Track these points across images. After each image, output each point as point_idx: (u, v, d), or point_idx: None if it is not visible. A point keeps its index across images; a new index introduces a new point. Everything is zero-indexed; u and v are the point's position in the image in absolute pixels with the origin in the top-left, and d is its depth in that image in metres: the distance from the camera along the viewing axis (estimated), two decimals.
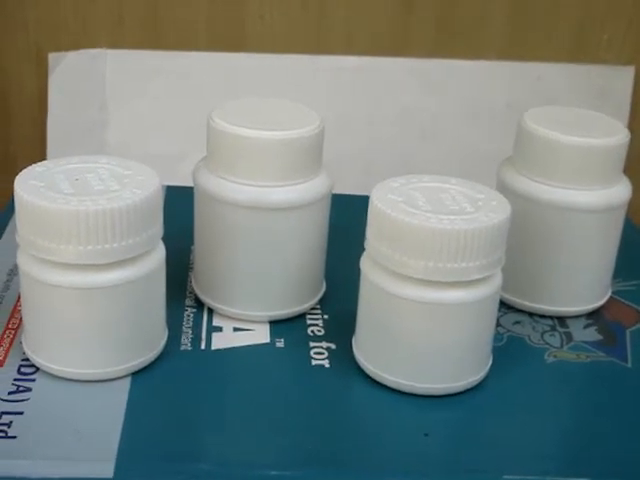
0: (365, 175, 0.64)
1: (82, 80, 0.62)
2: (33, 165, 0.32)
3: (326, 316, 0.37)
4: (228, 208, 0.34)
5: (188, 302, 0.37)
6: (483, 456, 0.29)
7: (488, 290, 0.31)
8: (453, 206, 0.31)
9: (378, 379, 0.32)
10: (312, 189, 0.34)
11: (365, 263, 0.32)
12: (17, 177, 0.30)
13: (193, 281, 0.37)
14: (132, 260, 0.30)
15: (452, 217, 0.30)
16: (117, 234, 0.29)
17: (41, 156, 0.64)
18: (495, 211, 0.31)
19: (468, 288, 0.31)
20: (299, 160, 0.34)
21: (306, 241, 0.35)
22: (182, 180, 0.62)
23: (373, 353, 0.33)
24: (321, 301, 0.37)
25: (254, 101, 0.36)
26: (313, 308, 0.37)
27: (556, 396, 0.33)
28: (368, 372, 0.33)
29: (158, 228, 0.31)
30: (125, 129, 0.63)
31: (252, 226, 0.34)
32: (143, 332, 0.32)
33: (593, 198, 0.36)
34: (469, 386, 0.32)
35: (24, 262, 0.30)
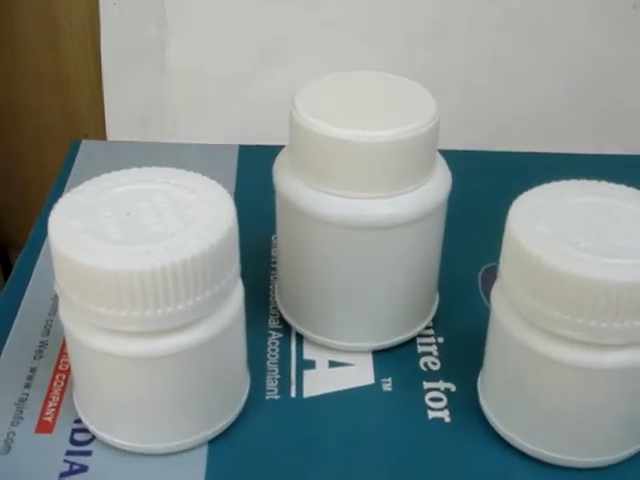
0: (465, 91, 0.55)
1: None
2: (72, 191, 0.25)
3: (440, 339, 0.30)
4: (320, 224, 0.27)
5: (272, 323, 0.30)
6: None
7: None
8: (621, 240, 0.23)
9: (512, 443, 0.26)
10: (425, 197, 0.27)
11: (498, 302, 0.25)
12: (52, 212, 0.24)
13: (277, 295, 0.31)
14: (204, 317, 0.24)
15: (623, 261, 0.22)
16: (182, 293, 0.23)
17: (96, 78, 0.57)
18: None
19: (635, 349, 0.23)
20: (410, 163, 0.26)
21: (418, 259, 0.28)
22: (248, 104, 0.55)
23: (507, 413, 0.26)
24: (434, 319, 0.30)
25: (346, 78, 0.28)
26: (425, 327, 0.30)
27: None
28: (500, 433, 0.26)
29: (234, 273, 0.24)
30: (187, 47, 0.55)
31: (351, 246, 0.27)
32: (220, 394, 0.26)
33: None
34: (629, 456, 0.26)
35: (68, 321, 0.24)
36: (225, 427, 0.26)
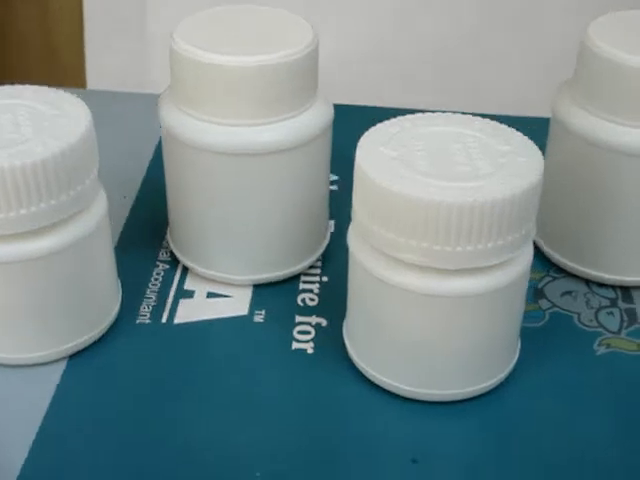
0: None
1: None
2: None
3: (325, 278, 0.30)
4: (198, 152, 0.27)
5: (162, 256, 0.31)
6: None
7: (510, 275, 0.24)
8: (463, 165, 0.23)
9: (372, 379, 0.26)
10: (306, 124, 0.27)
11: (353, 238, 0.25)
12: None
13: (168, 229, 0.31)
14: (56, 225, 0.24)
15: (458, 184, 0.22)
16: (23, 199, 0.23)
17: (81, 43, 0.59)
18: (520, 174, 0.23)
19: (482, 275, 0.23)
20: (286, 89, 0.26)
21: (298, 191, 0.28)
22: None
23: (366, 348, 0.26)
24: (324, 259, 0.30)
25: (229, 11, 0.28)
26: (313, 266, 0.30)
27: (603, 403, 0.25)
28: (360, 369, 0.26)
29: (90, 182, 0.25)
30: (167, 17, 0.56)
31: (229, 174, 0.27)
32: (82, 308, 0.26)
33: None
34: (484, 391, 0.25)
35: None
36: (86, 344, 0.27)
